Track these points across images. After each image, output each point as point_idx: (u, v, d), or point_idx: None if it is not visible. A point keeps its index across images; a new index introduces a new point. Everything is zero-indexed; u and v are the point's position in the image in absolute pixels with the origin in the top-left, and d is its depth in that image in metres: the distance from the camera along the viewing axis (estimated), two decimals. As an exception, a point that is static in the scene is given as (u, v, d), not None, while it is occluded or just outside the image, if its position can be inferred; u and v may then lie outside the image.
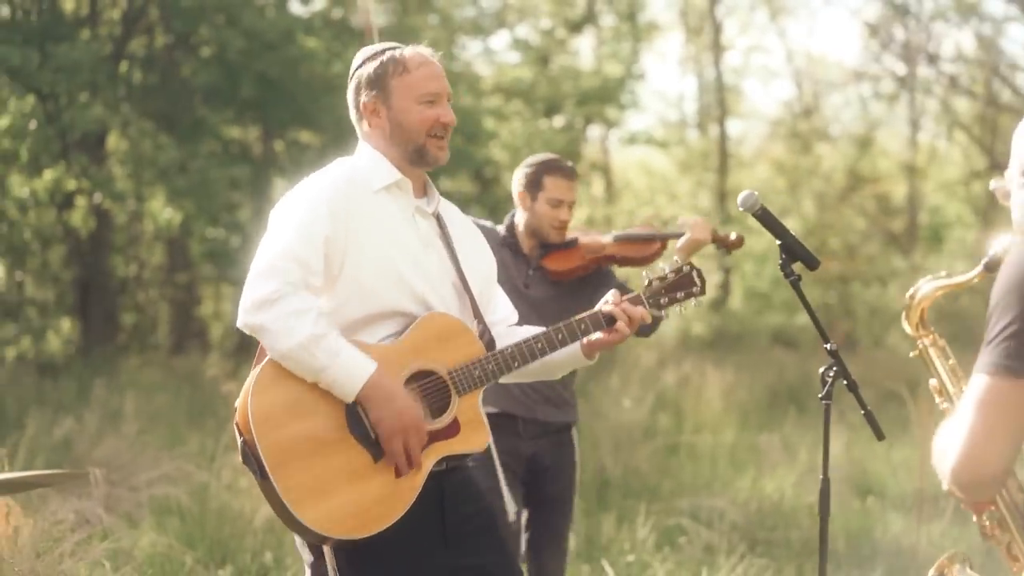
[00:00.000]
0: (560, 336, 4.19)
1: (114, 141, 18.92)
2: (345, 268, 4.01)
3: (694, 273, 4.39)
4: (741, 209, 4.45)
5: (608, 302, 4.29)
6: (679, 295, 4.36)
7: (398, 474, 3.96)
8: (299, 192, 4.11)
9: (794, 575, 7.51)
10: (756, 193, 4.46)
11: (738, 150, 29.70)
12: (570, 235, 6.11)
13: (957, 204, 27.15)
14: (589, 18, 27.81)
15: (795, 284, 4.50)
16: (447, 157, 4.23)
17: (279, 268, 3.89)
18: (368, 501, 3.92)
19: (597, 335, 4.25)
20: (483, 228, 5.85)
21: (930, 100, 25.90)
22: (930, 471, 9.37)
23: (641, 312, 4.26)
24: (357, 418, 3.94)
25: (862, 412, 4.48)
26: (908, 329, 3.58)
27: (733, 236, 5.15)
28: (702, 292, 4.41)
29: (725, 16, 29.47)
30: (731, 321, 25.74)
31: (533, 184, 6.04)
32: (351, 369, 3.87)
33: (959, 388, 3.39)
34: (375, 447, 3.94)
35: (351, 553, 3.98)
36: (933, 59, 23.84)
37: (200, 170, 16.87)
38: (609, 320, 4.24)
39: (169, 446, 10.61)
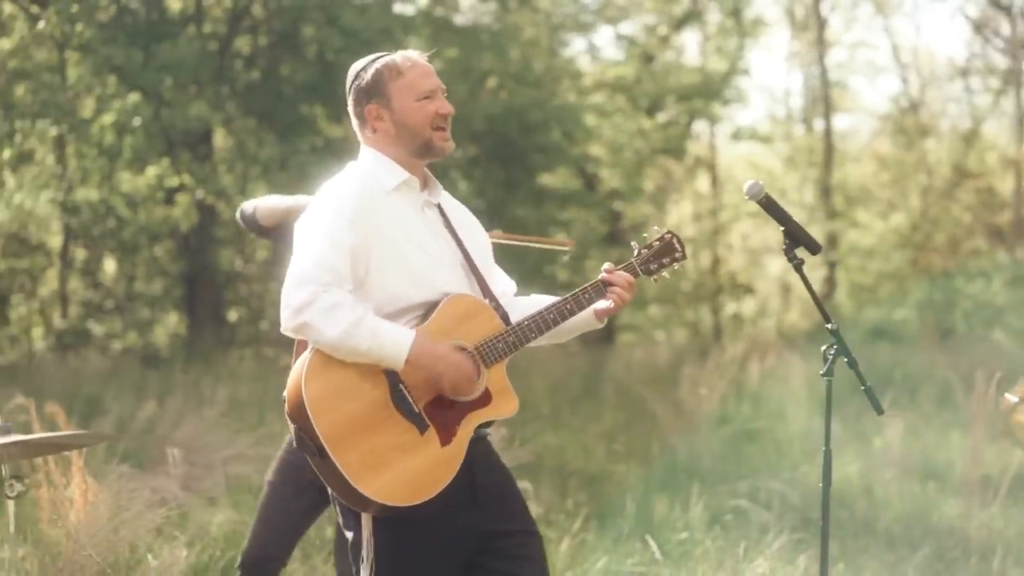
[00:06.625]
0: (569, 307, 4.55)
1: (220, 138, 19.35)
2: (370, 271, 4.34)
3: (674, 240, 4.78)
4: (747, 198, 4.73)
5: (604, 271, 4.65)
6: (665, 260, 4.76)
7: (445, 441, 4.29)
8: (322, 203, 4.42)
9: (836, 551, 7.64)
10: (761, 182, 4.78)
11: (843, 145, 29.60)
12: None
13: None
14: (694, 14, 27.87)
15: (798, 268, 4.86)
16: (452, 146, 4.56)
17: (311, 275, 4.21)
18: (419, 471, 4.26)
19: (603, 303, 4.62)
20: None
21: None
22: (987, 456, 9.46)
23: (629, 278, 4.64)
24: (401, 395, 4.27)
25: (862, 388, 4.78)
26: None
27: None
28: (684, 257, 4.80)
29: (830, 12, 29.42)
30: (834, 316, 25.66)
31: None
32: (394, 342, 4.21)
33: None
34: (420, 421, 4.27)
35: (388, 519, 4.30)
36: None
37: (300, 166, 17.20)
38: (608, 286, 4.61)
39: (250, 429, 10.93)
